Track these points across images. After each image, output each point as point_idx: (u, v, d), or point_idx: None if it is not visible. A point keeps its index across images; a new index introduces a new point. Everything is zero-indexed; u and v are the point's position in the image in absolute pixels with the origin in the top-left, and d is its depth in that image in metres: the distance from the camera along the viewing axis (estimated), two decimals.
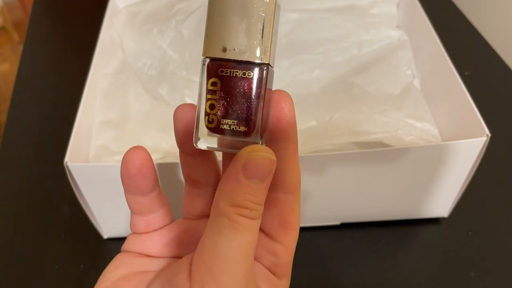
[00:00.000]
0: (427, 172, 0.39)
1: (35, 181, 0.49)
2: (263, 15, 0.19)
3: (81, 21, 0.72)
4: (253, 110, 0.19)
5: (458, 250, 0.42)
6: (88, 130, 0.43)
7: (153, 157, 0.41)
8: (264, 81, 0.19)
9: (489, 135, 0.35)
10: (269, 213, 0.22)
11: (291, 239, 0.22)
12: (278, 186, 0.21)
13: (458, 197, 0.41)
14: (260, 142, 0.20)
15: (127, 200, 0.23)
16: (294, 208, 0.22)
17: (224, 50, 0.19)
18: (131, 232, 0.24)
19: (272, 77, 0.20)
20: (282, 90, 0.21)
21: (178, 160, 0.39)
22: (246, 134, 0.20)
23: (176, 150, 0.41)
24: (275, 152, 0.20)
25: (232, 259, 0.19)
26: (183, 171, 0.24)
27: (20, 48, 1.00)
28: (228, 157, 0.23)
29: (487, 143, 0.36)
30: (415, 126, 0.42)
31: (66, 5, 0.76)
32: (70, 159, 0.35)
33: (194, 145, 0.20)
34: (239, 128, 0.20)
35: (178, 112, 0.21)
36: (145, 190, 0.23)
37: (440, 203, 0.42)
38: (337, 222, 0.43)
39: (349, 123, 0.42)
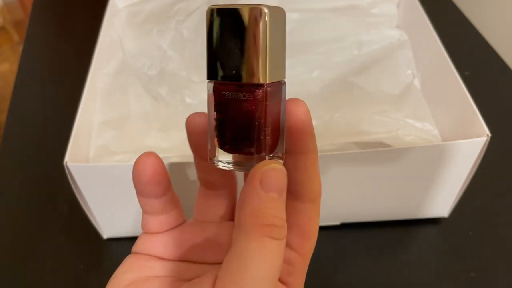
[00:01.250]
0: (427, 172, 0.39)
1: (35, 181, 0.49)
2: (258, 35, 0.19)
3: (81, 21, 0.72)
4: (257, 130, 0.20)
5: (458, 250, 0.42)
6: (88, 130, 0.43)
7: None
8: (264, 102, 0.19)
9: (489, 135, 0.35)
10: (288, 222, 0.21)
11: (308, 249, 0.22)
12: (298, 195, 0.21)
13: (458, 197, 0.41)
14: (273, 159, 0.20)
15: (139, 202, 0.23)
16: (313, 218, 0.22)
17: (224, 73, 0.20)
18: (142, 232, 0.24)
19: (281, 90, 0.20)
20: (296, 100, 0.20)
21: (178, 160, 0.39)
22: (254, 153, 0.20)
23: (176, 150, 0.41)
24: (295, 163, 0.20)
25: (257, 287, 0.18)
26: (198, 174, 0.24)
27: (20, 48, 1.00)
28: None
29: (487, 143, 0.36)
30: (415, 126, 0.42)
31: (66, 5, 0.76)
32: (70, 159, 0.35)
33: (210, 162, 0.21)
34: (246, 149, 0.20)
35: (189, 123, 0.21)
36: (158, 195, 0.22)
37: (440, 203, 0.42)
38: (337, 222, 0.43)
39: (349, 123, 0.42)
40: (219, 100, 0.20)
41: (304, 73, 0.48)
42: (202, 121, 0.21)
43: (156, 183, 0.22)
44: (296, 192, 0.21)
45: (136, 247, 0.24)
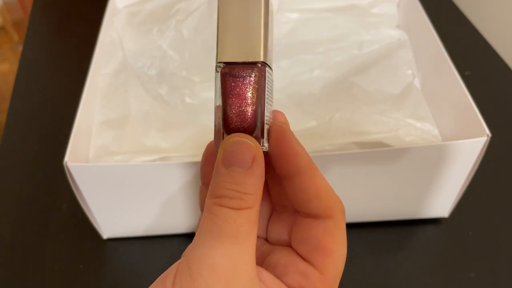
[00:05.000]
0: (427, 172, 0.38)
1: (35, 181, 0.49)
2: (257, 16, 0.20)
3: (81, 21, 0.72)
4: (253, 109, 0.20)
5: (458, 250, 0.42)
6: (88, 130, 0.43)
7: (153, 157, 0.41)
8: (223, 81, 0.20)
9: (489, 135, 0.35)
10: (303, 237, 0.21)
11: (328, 266, 0.21)
12: (306, 214, 0.21)
13: (458, 197, 0.41)
14: (263, 140, 0.20)
15: (200, 195, 0.23)
16: (332, 233, 0.21)
17: (227, 53, 0.20)
18: None
19: (255, 74, 0.21)
20: (279, 125, 0.20)
21: (178, 160, 0.39)
22: (254, 133, 0.20)
23: (176, 150, 0.41)
24: (292, 186, 0.20)
25: (210, 259, 0.17)
26: (202, 179, 0.24)
27: (20, 48, 0.99)
28: (276, 183, 0.23)
29: (487, 143, 0.36)
30: (415, 126, 0.42)
31: (66, 5, 0.76)
32: (70, 159, 0.35)
33: (214, 147, 0.21)
34: (241, 126, 0.20)
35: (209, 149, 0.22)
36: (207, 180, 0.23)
37: (440, 203, 0.42)
38: None
39: (349, 123, 0.42)
40: (222, 81, 0.20)
41: (304, 73, 0.48)
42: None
43: (207, 162, 0.22)
44: (304, 212, 0.21)
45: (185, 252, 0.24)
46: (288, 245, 0.23)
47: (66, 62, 0.65)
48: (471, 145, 0.36)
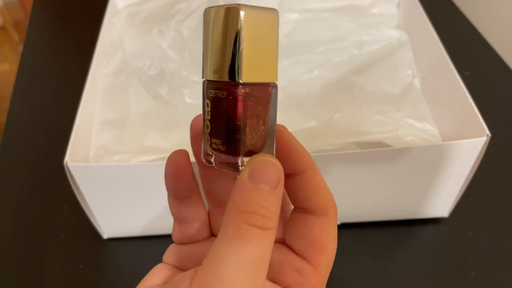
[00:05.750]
0: (427, 172, 0.39)
1: (35, 181, 0.49)
2: (234, 34, 0.19)
3: (81, 21, 0.72)
4: (238, 130, 0.20)
5: (458, 250, 0.42)
6: (88, 130, 0.43)
7: (153, 157, 0.41)
8: (242, 101, 0.19)
9: (489, 135, 0.35)
10: (299, 233, 0.21)
11: (323, 262, 0.21)
12: (305, 210, 0.21)
13: (458, 197, 0.41)
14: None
15: (168, 204, 0.23)
16: (326, 230, 0.21)
17: (211, 72, 0.20)
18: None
19: (270, 92, 0.20)
20: (279, 130, 0.21)
21: None
22: (228, 153, 0.20)
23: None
24: (294, 183, 0.20)
25: (231, 275, 0.17)
26: (204, 189, 0.24)
27: (20, 48, 1.00)
28: (225, 177, 0.23)
29: (487, 143, 0.36)
30: (415, 126, 0.42)
31: (66, 5, 0.76)
32: (70, 159, 0.35)
33: (203, 160, 0.21)
34: (222, 147, 0.20)
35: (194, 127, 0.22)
36: (182, 195, 0.22)
37: (440, 203, 0.42)
38: (337, 222, 0.43)
39: (349, 123, 0.42)
40: (207, 99, 0.20)
41: (304, 73, 0.48)
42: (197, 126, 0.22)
43: (175, 177, 0.22)
44: (302, 208, 0.21)
45: (164, 256, 0.24)
46: (281, 242, 0.23)
47: (66, 62, 0.65)
48: (471, 145, 0.36)
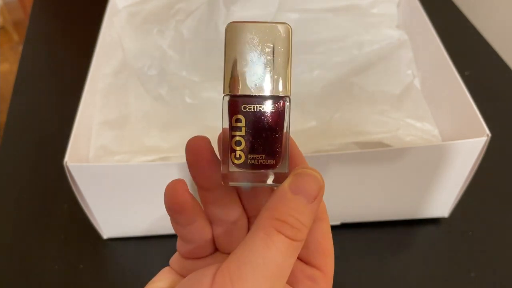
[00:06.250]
0: (427, 172, 0.39)
1: (35, 181, 0.49)
2: (282, 49, 0.21)
3: (81, 21, 0.72)
4: (279, 142, 0.20)
5: (458, 250, 0.42)
6: (88, 130, 0.43)
7: (153, 157, 0.41)
8: (287, 113, 0.20)
9: (489, 135, 0.35)
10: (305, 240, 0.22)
11: (329, 266, 0.22)
12: None
13: (458, 197, 0.41)
14: (287, 171, 0.20)
15: (172, 226, 0.23)
16: (326, 234, 0.22)
17: (246, 86, 0.20)
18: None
19: (285, 106, 0.21)
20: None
21: (178, 160, 0.39)
22: (273, 166, 0.20)
23: (176, 150, 0.41)
24: None
25: (253, 278, 0.17)
26: (205, 210, 0.23)
27: (20, 48, 1.00)
28: (250, 194, 0.23)
29: (487, 143, 0.36)
30: (415, 126, 0.42)
31: (66, 5, 0.76)
32: (70, 159, 0.35)
33: (223, 183, 0.21)
34: (267, 161, 0.20)
35: (190, 146, 0.22)
36: (183, 223, 0.22)
37: (440, 203, 0.42)
38: (337, 222, 0.43)
39: (349, 123, 0.42)
40: (240, 114, 0.20)
41: (304, 73, 0.48)
42: (204, 143, 0.21)
43: (177, 211, 0.22)
44: None
45: (171, 261, 0.24)
46: None
47: (66, 62, 0.65)
48: (471, 145, 0.36)
